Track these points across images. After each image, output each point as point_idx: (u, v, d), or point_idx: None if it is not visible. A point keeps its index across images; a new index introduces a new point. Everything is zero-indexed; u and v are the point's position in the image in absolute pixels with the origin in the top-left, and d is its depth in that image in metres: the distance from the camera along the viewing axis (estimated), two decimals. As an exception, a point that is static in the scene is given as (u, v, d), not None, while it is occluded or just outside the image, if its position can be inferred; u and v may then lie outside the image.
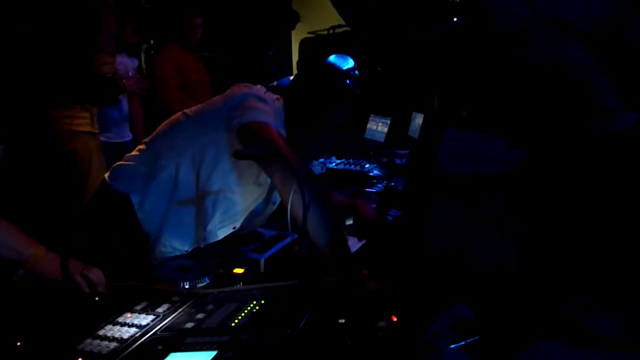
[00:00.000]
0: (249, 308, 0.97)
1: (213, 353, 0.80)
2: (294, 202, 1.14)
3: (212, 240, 1.53)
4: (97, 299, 1.13)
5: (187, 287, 1.28)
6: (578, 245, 0.72)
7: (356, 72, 1.53)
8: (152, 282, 1.32)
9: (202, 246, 1.53)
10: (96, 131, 2.68)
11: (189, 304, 1.07)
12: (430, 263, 0.99)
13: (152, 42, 3.57)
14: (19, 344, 0.91)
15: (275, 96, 1.59)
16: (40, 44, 2.63)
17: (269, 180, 1.58)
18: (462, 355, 0.46)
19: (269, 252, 1.48)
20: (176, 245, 1.53)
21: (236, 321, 0.93)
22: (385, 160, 3.41)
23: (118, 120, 3.05)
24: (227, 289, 1.14)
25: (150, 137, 1.62)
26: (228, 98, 1.49)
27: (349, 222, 1.61)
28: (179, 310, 1.03)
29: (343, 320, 0.95)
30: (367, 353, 0.96)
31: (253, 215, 1.67)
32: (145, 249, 1.52)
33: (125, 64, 3.05)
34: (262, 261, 1.43)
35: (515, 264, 0.69)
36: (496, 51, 1.05)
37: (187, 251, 1.54)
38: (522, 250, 0.72)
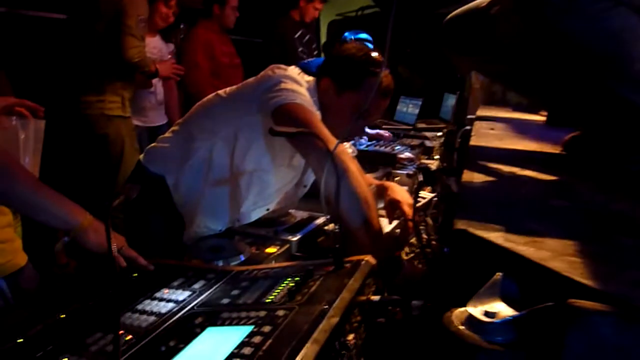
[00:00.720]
0: (283, 285, 0.98)
1: (250, 328, 0.81)
2: (327, 181, 1.14)
3: (245, 222, 1.54)
4: (135, 275, 1.15)
5: (220, 265, 1.30)
6: (627, 220, 0.70)
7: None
8: (187, 260, 1.35)
9: (236, 226, 1.55)
10: (127, 115, 2.73)
11: (224, 280, 1.08)
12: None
13: (181, 26, 3.58)
14: (62, 316, 0.94)
15: (309, 77, 1.59)
16: (71, 29, 2.68)
17: (302, 163, 1.58)
18: (509, 329, 0.45)
19: (301, 233, 1.49)
20: (211, 225, 1.55)
21: (271, 297, 0.93)
22: (415, 142, 3.38)
23: (153, 104, 3.09)
24: (260, 267, 1.14)
25: (183, 118, 1.64)
26: (263, 80, 1.49)
27: (380, 204, 1.60)
28: (215, 287, 1.05)
29: (377, 298, 0.94)
30: (400, 331, 0.96)
31: (285, 197, 1.68)
32: (180, 228, 1.55)
33: (160, 47, 3.07)
34: (295, 242, 1.44)
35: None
36: (545, 23, 1.01)
37: (220, 231, 1.56)
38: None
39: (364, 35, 3.41)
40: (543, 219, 0.68)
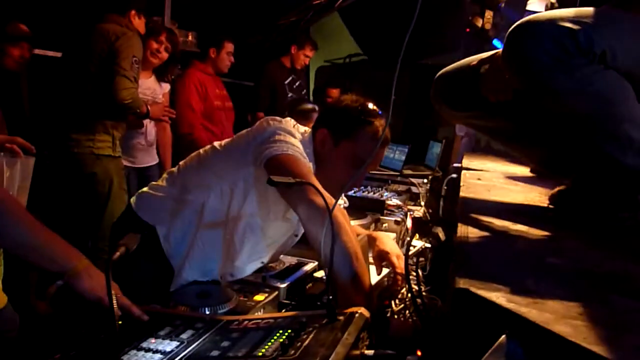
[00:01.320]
0: (275, 337, 0.96)
1: (242, 384, 0.78)
2: (318, 237, 1.15)
3: (240, 276, 1.51)
4: (120, 322, 1.12)
5: (207, 312, 1.27)
6: (622, 279, 0.70)
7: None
8: (173, 306, 1.32)
9: (228, 280, 1.52)
10: (117, 155, 2.71)
11: (213, 330, 1.05)
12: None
13: (178, 67, 3.59)
14: None
15: (304, 128, 1.61)
16: (65, 67, 2.69)
17: (294, 215, 1.57)
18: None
19: (290, 279, 1.47)
20: (199, 278, 1.52)
21: (263, 351, 0.91)
22: (402, 187, 3.41)
23: (143, 144, 3.08)
24: (251, 317, 1.12)
25: (177, 167, 1.63)
26: (257, 132, 1.51)
27: (371, 254, 1.59)
28: (204, 337, 1.02)
29: (371, 353, 0.93)
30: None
31: (279, 248, 1.66)
32: (168, 276, 1.52)
33: (154, 88, 3.08)
34: (283, 288, 1.42)
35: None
36: (532, 80, 1.05)
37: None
38: None
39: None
40: (541, 277, 0.68)
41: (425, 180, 3.77)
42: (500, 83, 1.27)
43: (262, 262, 1.57)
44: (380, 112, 1.56)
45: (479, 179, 1.99)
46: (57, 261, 1.08)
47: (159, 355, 0.94)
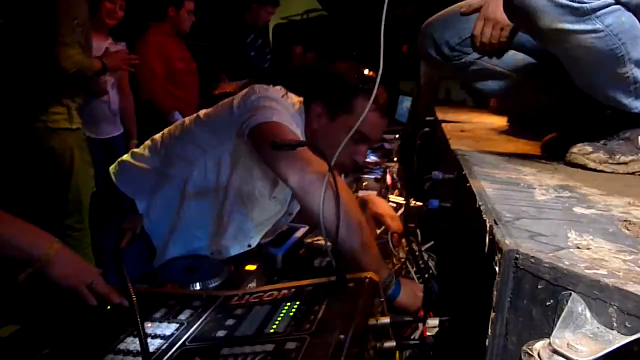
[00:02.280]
0: (284, 311, 0.89)
1: (260, 366, 0.72)
2: (314, 210, 1.07)
3: (227, 256, 1.42)
4: (108, 308, 1.03)
5: (198, 288, 1.20)
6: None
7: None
8: (159, 285, 1.24)
9: (215, 257, 1.43)
10: (75, 127, 2.53)
11: (213, 309, 0.98)
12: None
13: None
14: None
15: (296, 99, 1.47)
16: (7, 35, 2.45)
17: (287, 195, 1.47)
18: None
19: (285, 246, 1.40)
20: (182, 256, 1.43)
21: (274, 327, 0.84)
22: (374, 145, 3.36)
23: (106, 114, 2.88)
24: (252, 291, 1.05)
25: (161, 136, 1.49)
26: (241, 100, 1.37)
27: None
28: (204, 317, 0.94)
29: (388, 320, 0.88)
30: (416, 354, 0.90)
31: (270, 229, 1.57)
32: (150, 253, 1.42)
33: (111, 50, 2.83)
34: (280, 256, 1.35)
35: None
36: (537, 26, 0.98)
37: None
38: None
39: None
40: (582, 230, 0.63)
41: (397, 136, 3.74)
42: (496, 30, 1.20)
43: (250, 246, 1.47)
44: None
45: (462, 131, 1.95)
46: (24, 249, 0.97)
47: (159, 341, 0.87)
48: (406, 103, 3.97)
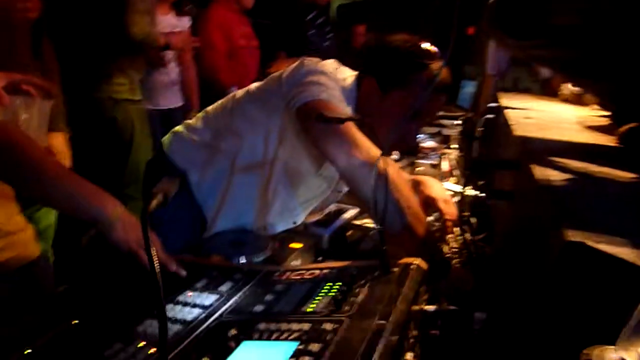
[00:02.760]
0: (324, 291, 0.86)
1: (294, 344, 0.69)
2: (363, 193, 1.03)
3: (270, 233, 1.41)
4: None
5: (243, 262, 1.19)
6: None
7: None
8: (204, 256, 1.24)
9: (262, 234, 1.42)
10: (137, 98, 2.59)
11: (253, 283, 0.97)
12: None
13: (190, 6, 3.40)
14: (75, 322, 0.83)
15: (348, 73, 1.41)
16: (74, 5, 2.53)
17: (333, 172, 1.41)
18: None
19: (333, 227, 1.37)
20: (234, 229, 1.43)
21: (312, 306, 0.82)
22: (433, 130, 3.26)
23: (165, 84, 2.93)
24: (294, 268, 1.03)
25: (214, 108, 1.49)
26: (290, 74, 1.33)
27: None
28: (244, 290, 0.94)
29: (433, 309, 0.83)
30: (459, 346, 0.85)
31: (318, 205, 1.54)
32: (200, 225, 1.43)
33: (174, 25, 2.88)
34: (327, 236, 1.33)
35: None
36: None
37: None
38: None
39: None
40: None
41: (457, 122, 3.60)
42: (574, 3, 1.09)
43: (295, 223, 1.45)
44: (437, 53, 1.35)
45: (527, 118, 1.83)
46: (88, 209, 0.98)
47: (198, 310, 0.86)
48: (469, 88, 3.80)
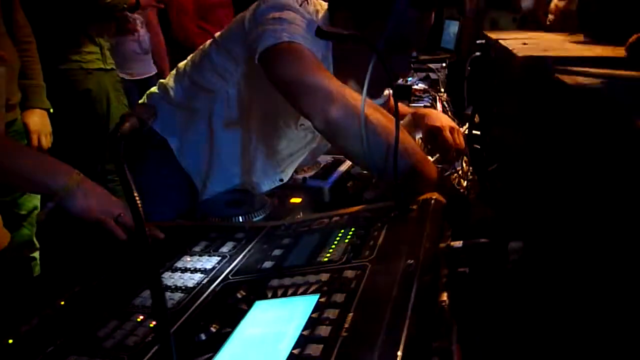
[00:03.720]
0: (338, 239, 0.78)
1: (314, 298, 0.61)
2: (354, 153, 0.93)
3: (259, 192, 1.30)
4: (122, 240, 0.94)
5: (241, 221, 1.10)
6: None
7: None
8: (199, 219, 1.15)
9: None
10: (109, 67, 2.44)
11: (258, 239, 0.87)
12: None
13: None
14: (62, 302, 0.74)
15: (320, 4, 1.22)
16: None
17: None
18: None
19: (332, 178, 1.28)
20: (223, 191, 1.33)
21: (327, 255, 0.73)
22: (420, 74, 3.16)
23: (138, 53, 2.78)
24: (299, 220, 0.94)
25: (184, 64, 1.33)
26: (252, 12, 1.15)
27: (419, 135, 1.38)
28: (248, 248, 0.84)
29: (460, 244, 0.75)
30: (494, 282, 0.77)
31: (305, 159, 1.42)
32: (190, 190, 1.33)
33: None
34: (327, 188, 1.23)
35: None
36: None
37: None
38: None
39: None
40: None
41: (444, 65, 3.49)
42: None
43: (281, 180, 1.34)
44: None
45: (524, 44, 1.73)
46: (42, 181, 0.88)
47: (199, 275, 0.77)
48: (453, 28, 3.66)
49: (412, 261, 0.62)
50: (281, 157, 1.32)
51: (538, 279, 0.76)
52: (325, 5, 1.22)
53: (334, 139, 1.03)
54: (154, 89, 1.37)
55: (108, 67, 2.41)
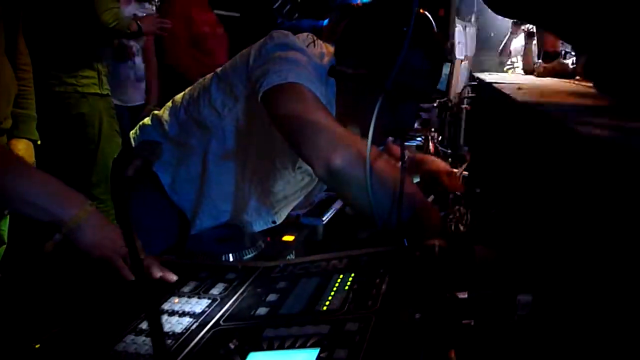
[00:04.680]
0: (337, 284, 0.74)
1: (314, 352, 0.56)
2: (356, 202, 0.91)
3: (251, 231, 1.25)
4: (129, 280, 0.89)
5: (232, 260, 1.06)
6: None
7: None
8: (187, 256, 1.10)
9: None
10: (104, 92, 2.42)
11: (250, 281, 0.83)
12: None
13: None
14: (37, 346, 0.68)
15: (327, 48, 1.20)
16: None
17: None
18: None
19: (326, 216, 1.24)
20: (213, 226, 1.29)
21: (327, 303, 0.69)
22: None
23: (132, 80, 2.76)
24: (295, 261, 0.90)
25: (181, 96, 1.30)
26: (257, 49, 1.12)
27: (416, 179, 1.37)
28: (241, 291, 0.80)
29: (466, 295, 0.71)
30: (499, 336, 0.73)
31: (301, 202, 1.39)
32: (179, 225, 1.28)
33: (136, 13, 2.70)
34: (321, 226, 1.20)
35: None
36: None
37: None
38: None
39: None
40: None
41: (435, 105, 3.53)
42: None
43: (274, 222, 1.30)
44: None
45: (519, 89, 1.74)
46: (50, 209, 0.83)
47: (187, 319, 0.72)
48: (444, 69, 3.72)
49: (419, 314, 0.58)
50: (276, 199, 1.28)
51: (547, 332, 0.72)
52: (331, 48, 1.21)
53: (336, 187, 1.01)
54: (147, 120, 1.33)
55: (104, 93, 2.39)
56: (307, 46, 1.15)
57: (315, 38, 1.21)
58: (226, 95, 1.18)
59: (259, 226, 1.28)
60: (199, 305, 0.76)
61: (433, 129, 2.97)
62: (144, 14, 2.66)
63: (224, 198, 1.25)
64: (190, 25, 2.98)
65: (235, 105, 1.17)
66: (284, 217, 1.33)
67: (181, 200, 1.27)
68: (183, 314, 0.74)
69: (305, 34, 1.21)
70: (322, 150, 0.94)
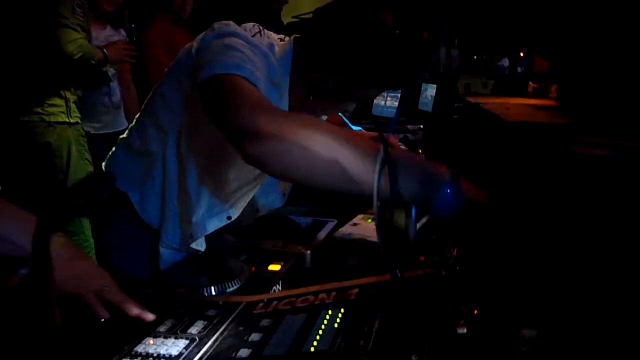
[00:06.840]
0: (325, 321, 0.68)
1: (301, 402, 0.50)
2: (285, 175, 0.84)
3: (200, 235, 1.17)
4: (102, 319, 0.82)
5: (213, 293, 0.99)
6: None
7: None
8: (165, 289, 1.04)
9: (191, 245, 1.19)
10: (74, 121, 2.34)
11: (232, 319, 0.77)
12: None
13: (132, 25, 3.20)
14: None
15: (277, 36, 1.16)
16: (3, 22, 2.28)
17: None
18: None
19: (314, 243, 1.19)
20: (175, 246, 1.22)
21: (315, 343, 0.63)
22: (398, 136, 3.17)
23: (107, 106, 2.69)
24: (280, 295, 0.84)
25: (143, 107, 1.27)
26: (199, 41, 1.07)
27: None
28: (221, 329, 0.74)
29: (465, 331, 0.66)
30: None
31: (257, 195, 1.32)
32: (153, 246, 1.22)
33: (109, 39, 2.66)
34: (308, 254, 1.14)
35: None
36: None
37: (198, 252, 1.22)
38: None
39: None
40: None
41: (421, 127, 3.53)
42: None
43: (229, 218, 1.22)
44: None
45: (507, 109, 1.73)
46: (17, 242, 0.75)
47: (163, 363, 0.66)
48: (430, 91, 3.73)
49: (415, 355, 0.53)
50: (230, 189, 1.20)
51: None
52: (280, 37, 1.16)
53: (270, 172, 0.94)
54: (115, 146, 1.28)
55: (72, 121, 2.31)
56: (253, 36, 1.09)
57: (261, 28, 1.15)
58: (175, 91, 1.14)
59: (212, 225, 1.19)
60: (175, 347, 0.70)
61: (420, 151, 2.96)
62: (120, 36, 2.62)
63: (182, 199, 1.19)
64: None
65: (185, 99, 1.12)
66: (239, 212, 1.25)
67: (150, 216, 1.21)
68: (158, 357, 0.68)
69: (252, 24, 1.15)
70: (245, 117, 0.83)
